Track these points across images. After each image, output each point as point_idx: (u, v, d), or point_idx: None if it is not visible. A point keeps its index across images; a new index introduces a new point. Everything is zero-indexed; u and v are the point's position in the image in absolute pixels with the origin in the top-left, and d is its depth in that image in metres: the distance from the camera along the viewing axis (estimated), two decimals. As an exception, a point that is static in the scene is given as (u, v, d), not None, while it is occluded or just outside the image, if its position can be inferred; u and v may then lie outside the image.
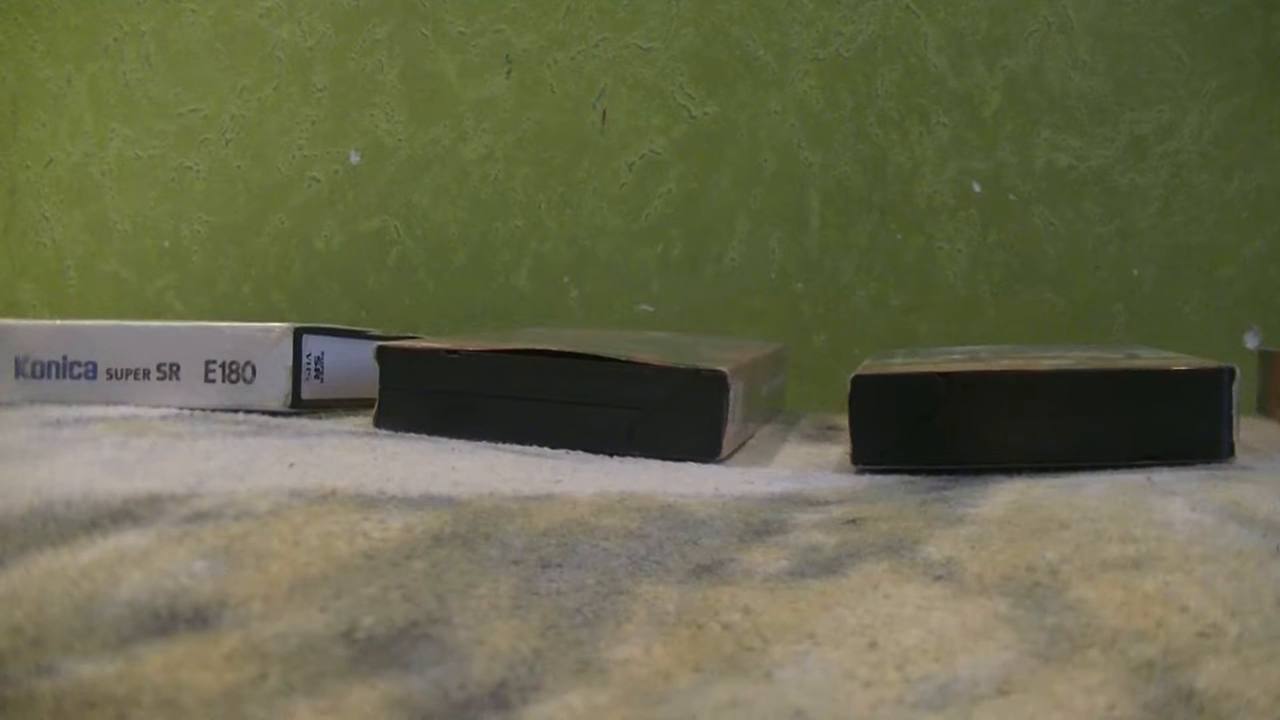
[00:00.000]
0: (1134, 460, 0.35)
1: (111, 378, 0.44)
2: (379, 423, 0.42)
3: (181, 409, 0.43)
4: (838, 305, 0.71)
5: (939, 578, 0.25)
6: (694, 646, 0.22)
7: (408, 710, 0.20)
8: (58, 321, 0.45)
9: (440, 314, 0.76)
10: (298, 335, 0.44)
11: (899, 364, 0.40)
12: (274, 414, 0.43)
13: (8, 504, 0.26)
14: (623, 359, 0.40)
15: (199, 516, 0.26)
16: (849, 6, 0.70)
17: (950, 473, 0.36)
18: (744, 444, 0.45)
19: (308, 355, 0.44)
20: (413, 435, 0.40)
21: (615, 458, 0.39)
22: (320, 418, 0.44)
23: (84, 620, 0.22)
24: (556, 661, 0.22)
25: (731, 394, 0.39)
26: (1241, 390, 0.35)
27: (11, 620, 0.22)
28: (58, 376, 0.45)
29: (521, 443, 0.40)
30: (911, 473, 0.36)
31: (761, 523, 0.29)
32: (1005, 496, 0.31)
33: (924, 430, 0.36)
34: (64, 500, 0.26)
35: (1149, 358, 0.39)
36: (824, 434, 0.50)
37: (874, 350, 0.66)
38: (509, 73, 0.75)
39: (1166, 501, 0.29)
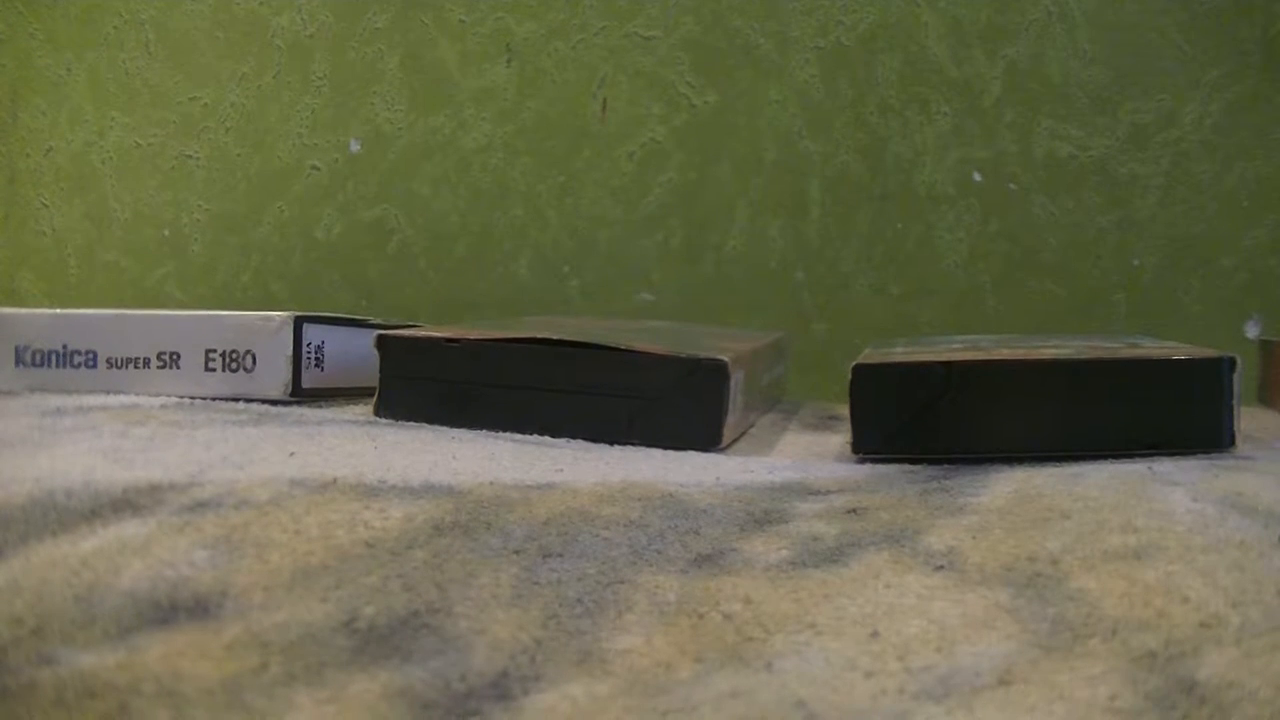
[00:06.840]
0: (1135, 450, 0.35)
1: (112, 366, 0.44)
2: (379, 412, 0.42)
3: (182, 398, 0.43)
4: (838, 294, 0.71)
5: (940, 567, 0.25)
6: (695, 636, 0.22)
7: (408, 700, 0.20)
8: (58, 310, 0.45)
9: (440, 303, 0.76)
10: (298, 324, 0.44)
11: (900, 353, 0.40)
12: (274, 403, 0.43)
13: (8, 493, 0.26)
14: (623, 348, 0.40)
15: (199, 506, 0.26)
16: (850, -5, 0.70)
17: (951, 462, 0.36)
18: (745, 433, 0.45)
19: (308, 344, 0.44)
20: (413, 424, 0.40)
21: (616, 447, 0.39)
22: (320, 407, 0.44)
23: (85, 610, 0.22)
24: (558, 651, 0.22)
25: (732, 383, 0.39)
26: (1242, 380, 0.35)
27: (12, 610, 0.22)
28: (58, 365, 0.45)
29: (522, 432, 0.40)
30: (912, 462, 0.36)
31: (762, 512, 0.29)
32: (1006, 486, 0.31)
33: (925, 419, 0.36)
34: (64, 489, 0.26)
35: (1150, 347, 0.39)
36: (824, 423, 0.50)
37: (874, 339, 0.66)
38: (509, 62, 0.75)
39: (1168, 491, 0.29)
